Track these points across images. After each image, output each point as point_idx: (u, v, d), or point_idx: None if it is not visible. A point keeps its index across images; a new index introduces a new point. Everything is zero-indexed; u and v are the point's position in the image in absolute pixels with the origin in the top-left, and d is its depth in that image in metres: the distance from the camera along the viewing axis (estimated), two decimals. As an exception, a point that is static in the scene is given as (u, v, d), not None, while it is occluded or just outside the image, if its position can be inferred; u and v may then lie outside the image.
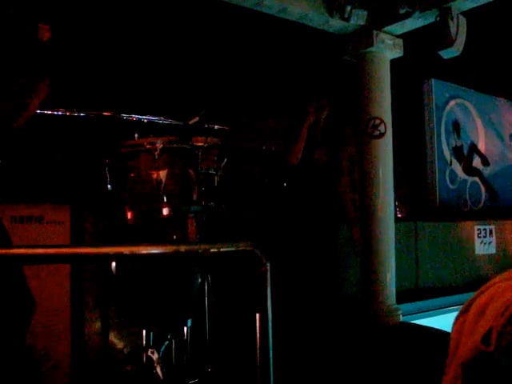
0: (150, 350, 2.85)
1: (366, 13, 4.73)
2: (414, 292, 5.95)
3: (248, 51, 5.18)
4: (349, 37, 5.00)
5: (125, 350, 3.59)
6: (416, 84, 7.20)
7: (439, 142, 7.31)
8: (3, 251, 1.67)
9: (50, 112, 3.76)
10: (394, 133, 5.00)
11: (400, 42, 5.04)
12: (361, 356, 3.90)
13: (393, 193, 5.01)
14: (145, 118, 3.13)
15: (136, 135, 2.83)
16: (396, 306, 4.94)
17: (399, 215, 6.75)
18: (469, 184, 7.73)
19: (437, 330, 4.46)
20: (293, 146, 4.17)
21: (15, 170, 2.58)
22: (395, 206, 5.61)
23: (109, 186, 2.81)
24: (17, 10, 2.73)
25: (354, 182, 5.01)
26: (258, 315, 1.72)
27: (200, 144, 2.79)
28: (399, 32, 4.98)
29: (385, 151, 4.94)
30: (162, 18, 4.65)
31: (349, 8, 4.61)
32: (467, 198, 7.67)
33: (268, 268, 1.69)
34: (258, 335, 1.73)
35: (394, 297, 4.94)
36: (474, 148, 7.92)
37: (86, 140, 3.56)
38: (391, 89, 5.01)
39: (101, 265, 3.16)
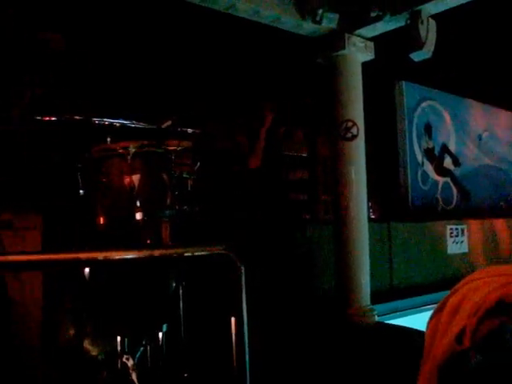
0: (125, 356, 2.82)
1: (337, 16, 4.77)
2: (388, 292, 5.99)
3: (220, 54, 5.17)
4: (321, 40, 5.02)
5: (99, 357, 3.55)
6: (388, 86, 7.27)
7: (411, 143, 7.38)
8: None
9: (21, 116, 3.71)
10: (366, 135, 5.04)
11: (371, 44, 5.09)
12: (336, 356, 3.92)
13: (366, 194, 5.04)
14: (117, 121, 3.10)
15: (108, 139, 2.80)
16: (371, 306, 4.96)
17: (373, 216, 6.80)
18: (440, 184, 7.83)
19: (411, 329, 4.50)
20: (251, 152, 4.19)
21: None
22: (368, 207, 5.65)
23: (81, 191, 2.78)
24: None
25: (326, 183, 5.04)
26: (233, 319, 1.72)
27: (173, 148, 2.77)
28: (370, 35, 5.03)
29: (357, 153, 4.97)
30: (133, 22, 4.62)
31: (320, 11, 4.63)
32: (439, 198, 7.76)
33: (243, 271, 1.69)
34: (233, 338, 1.72)
35: (369, 297, 4.97)
36: (445, 149, 8.02)
37: (58, 144, 3.52)
38: (363, 91, 5.05)
39: (74, 271, 3.12)
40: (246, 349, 1.72)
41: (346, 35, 4.87)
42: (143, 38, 4.70)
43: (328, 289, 5.16)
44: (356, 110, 4.98)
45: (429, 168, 7.67)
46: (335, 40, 4.92)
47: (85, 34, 4.34)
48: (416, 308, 5.81)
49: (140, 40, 4.69)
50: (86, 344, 3.52)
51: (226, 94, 5.23)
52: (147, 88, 4.59)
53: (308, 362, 3.78)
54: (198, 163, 2.89)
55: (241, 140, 4.27)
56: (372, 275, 5.05)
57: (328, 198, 5.48)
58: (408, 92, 7.39)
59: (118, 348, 2.89)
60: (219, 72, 5.22)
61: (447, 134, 8.11)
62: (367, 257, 4.95)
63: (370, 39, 5.07)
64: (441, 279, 6.62)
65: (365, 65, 5.13)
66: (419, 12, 4.36)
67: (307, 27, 4.82)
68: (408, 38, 4.47)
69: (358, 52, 5.00)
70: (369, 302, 4.96)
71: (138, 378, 2.76)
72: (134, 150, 2.60)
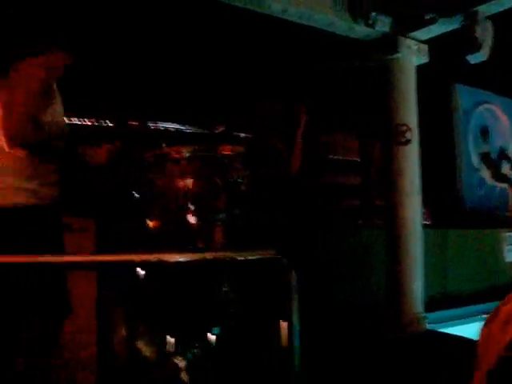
0: (176, 357, 2.86)
1: (390, 19, 4.72)
2: (441, 300, 5.87)
3: (269, 59, 5.19)
4: (373, 43, 4.98)
5: (151, 357, 3.60)
6: (443, 90, 7.14)
7: (467, 147, 7.22)
8: (40, 259, 1.70)
9: (79, 122, 3.83)
10: (420, 139, 4.96)
11: (425, 47, 5.01)
12: (386, 364, 3.86)
13: (420, 199, 4.96)
14: (171, 127, 3.16)
15: (163, 144, 2.86)
16: (423, 314, 4.88)
17: (427, 222, 6.68)
18: (497, 190, 7.62)
19: (464, 338, 4.40)
20: (291, 158, 4.14)
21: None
22: (423, 213, 5.56)
23: (136, 195, 2.84)
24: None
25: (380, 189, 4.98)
26: (283, 323, 1.72)
27: (226, 152, 2.80)
28: (424, 37, 4.95)
29: (411, 158, 4.90)
30: (186, 29, 4.69)
31: (373, 14, 4.59)
32: (496, 204, 7.56)
33: (294, 276, 1.69)
34: (284, 342, 1.73)
35: (421, 304, 4.88)
36: (502, 154, 7.80)
37: (114, 150, 3.60)
38: (417, 95, 4.98)
39: (128, 272, 3.19)
40: (296, 353, 1.72)
41: (400, 38, 4.81)
42: (195, 45, 4.76)
43: (380, 295, 5.10)
44: (410, 114, 4.91)
45: (485, 173, 7.48)
46: (388, 43, 4.87)
47: (140, 42, 4.44)
48: (469, 317, 5.68)
49: (193, 47, 4.75)
50: (139, 344, 3.59)
51: (275, 98, 5.25)
52: (201, 94, 4.65)
53: (357, 369, 3.74)
54: (250, 167, 2.90)
55: (279, 144, 4.25)
56: (426, 282, 4.96)
57: (382, 203, 5.40)
58: (463, 95, 7.23)
59: (170, 349, 2.93)
60: (270, 77, 5.24)
61: (505, 139, 7.89)
62: (421, 263, 4.87)
63: (424, 42, 4.99)
64: (496, 287, 6.44)
65: (419, 68, 5.05)
66: (475, 13, 4.27)
67: (360, 30, 4.78)
68: (463, 39, 4.38)
69: (412, 55, 4.93)
70: (421, 310, 4.88)
71: (189, 379, 2.79)
72: (187, 155, 2.65)
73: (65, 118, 2.69)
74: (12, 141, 2.36)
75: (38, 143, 2.42)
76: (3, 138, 2.37)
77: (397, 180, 4.87)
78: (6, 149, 2.37)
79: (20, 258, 1.69)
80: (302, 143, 4.15)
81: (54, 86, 2.63)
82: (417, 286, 4.83)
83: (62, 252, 2.53)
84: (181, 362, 2.86)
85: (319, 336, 3.81)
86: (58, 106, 2.63)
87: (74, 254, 1.82)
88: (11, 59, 2.59)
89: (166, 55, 4.61)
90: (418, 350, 4.40)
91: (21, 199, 2.41)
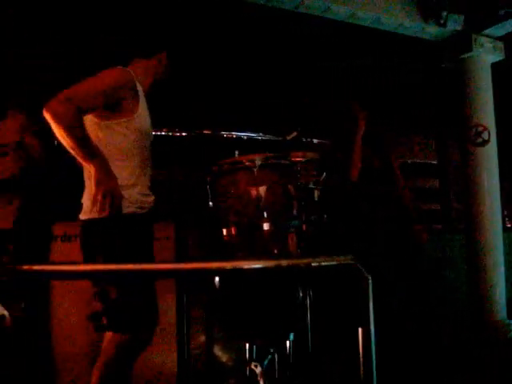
0: (253, 363, 2.88)
1: (462, 17, 4.61)
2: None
3: (339, 64, 5.17)
4: (446, 43, 4.87)
5: (229, 364, 3.65)
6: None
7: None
8: (120, 267, 1.77)
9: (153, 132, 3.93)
10: (499, 139, 4.81)
11: (501, 44, 4.85)
12: (469, 373, 3.75)
13: (499, 201, 4.80)
14: (244, 134, 3.19)
15: (236, 152, 2.90)
16: (508, 320, 4.70)
17: (508, 225, 6.44)
18: None
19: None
20: (351, 163, 4.03)
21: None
22: (503, 215, 5.36)
23: (210, 203, 2.89)
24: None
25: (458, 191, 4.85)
26: (360, 329, 1.71)
27: (298, 159, 2.80)
28: (499, 34, 4.80)
29: (489, 158, 4.76)
30: (256, 38, 4.74)
31: (445, 13, 4.50)
32: None
33: (370, 282, 1.68)
34: (360, 349, 1.71)
35: (505, 311, 4.71)
36: None
37: (188, 158, 3.68)
38: (494, 93, 4.82)
39: (205, 279, 3.24)
40: (374, 360, 1.70)
41: (473, 36, 4.69)
42: (266, 52, 4.80)
43: (462, 301, 4.95)
44: (487, 114, 4.77)
45: None
46: (461, 42, 4.76)
47: (213, 50, 4.52)
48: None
49: (264, 54, 4.80)
50: (216, 351, 3.64)
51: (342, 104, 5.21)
52: (273, 101, 4.68)
53: (440, 378, 3.65)
54: (324, 174, 2.89)
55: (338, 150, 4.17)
56: (509, 288, 4.78)
57: (460, 206, 5.26)
58: (543, 92, 6.93)
59: (247, 355, 2.96)
60: (337, 82, 5.22)
61: None
62: (502, 267, 4.70)
63: (499, 39, 4.84)
64: None
65: (494, 66, 4.89)
66: (554, 5, 4.11)
67: (431, 31, 4.70)
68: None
69: (487, 53, 4.79)
70: (505, 316, 4.70)
71: (266, 386, 2.81)
72: (260, 163, 2.67)
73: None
74: None
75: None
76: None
77: (475, 182, 4.74)
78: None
79: (109, 266, 1.76)
80: (364, 149, 4.06)
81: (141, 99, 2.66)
82: (499, 292, 4.67)
83: (153, 260, 2.58)
84: (257, 369, 2.87)
85: (396, 343, 3.74)
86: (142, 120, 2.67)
87: (154, 262, 1.87)
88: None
89: (239, 63, 4.68)
90: (502, 358, 4.24)
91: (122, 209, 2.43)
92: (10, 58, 3.82)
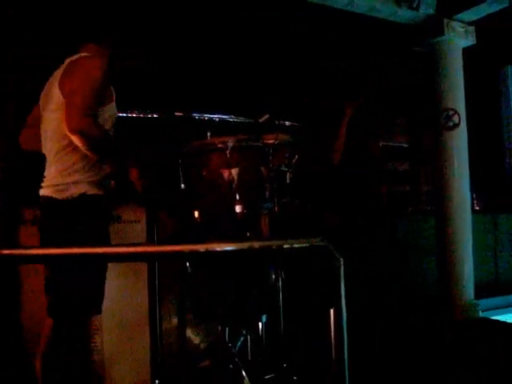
0: (226, 345, 2.89)
1: (435, 1, 4.62)
2: (493, 287, 5.76)
3: (314, 47, 5.16)
4: (418, 27, 4.89)
5: (201, 346, 3.66)
6: (491, 72, 6.95)
7: (517, 131, 7.04)
8: (88, 250, 1.74)
9: (123, 114, 3.89)
10: (469, 123, 4.86)
11: (472, 29, 4.89)
12: (437, 352, 3.82)
13: (469, 184, 4.87)
14: (216, 116, 3.17)
15: (208, 134, 2.88)
16: (474, 301, 4.80)
17: (477, 207, 6.55)
18: (549, 174, 7.39)
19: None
20: (334, 146, 4.07)
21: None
22: (472, 198, 5.45)
23: (182, 185, 2.87)
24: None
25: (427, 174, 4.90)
26: (332, 311, 1.72)
27: (271, 141, 2.80)
28: (471, 19, 4.83)
29: (459, 142, 4.82)
30: (230, 18, 4.70)
31: (417, -3, 4.51)
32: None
33: (341, 263, 1.69)
34: (332, 330, 1.73)
35: (473, 291, 4.80)
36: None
37: (159, 140, 3.65)
38: (465, 78, 4.87)
39: (176, 262, 3.24)
40: (345, 341, 1.72)
41: (445, 20, 4.72)
42: (238, 33, 4.76)
43: (430, 282, 5.04)
44: (457, 98, 4.82)
45: (536, 157, 7.27)
46: (433, 26, 4.78)
47: (185, 33, 4.47)
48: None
49: (235, 35, 4.76)
50: (189, 333, 3.64)
51: (319, 86, 5.21)
52: (245, 83, 4.66)
53: (407, 356, 3.71)
54: (296, 156, 2.89)
55: (324, 133, 4.20)
56: (476, 269, 4.88)
57: (430, 188, 5.32)
58: (513, 77, 7.04)
59: (219, 338, 2.97)
60: (316, 64, 5.20)
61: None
62: (470, 250, 4.79)
63: (471, 23, 4.87)
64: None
65: (466, 50, 4.94)
66: (525, -9, 4.14)
67: (404, 14, 4.71)
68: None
69: (458, 37, 4.82)
70: (472, 297, 4.80)
71: (238, 367, 2.82)
72: (232, 145, 2.66)
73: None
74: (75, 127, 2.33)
75: (96, 139, 2.42)
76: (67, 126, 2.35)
77: (445, 165, 4.80)
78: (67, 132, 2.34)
79: (74, 250, 1.73)
80: (347, 133, 4.10)
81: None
82: (467, 273, 4.76)
83: (109, 243, 2.59)
84: (230, 351, 2.89)
85: (368, 323, 3.79)
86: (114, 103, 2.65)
87: (126, 245, 1.86)
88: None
89: (209, 45, 4.63)
90: (470, 337, 4.34)
91: (78, 190, 2.45)
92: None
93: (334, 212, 4.11)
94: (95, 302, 2.56)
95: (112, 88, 2.61)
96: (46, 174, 2.54)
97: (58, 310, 2.47)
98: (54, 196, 2.45)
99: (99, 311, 2.60)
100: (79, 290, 2.42)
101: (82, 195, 2.45)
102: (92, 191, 2.48)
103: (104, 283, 2.60)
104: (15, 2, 3.81)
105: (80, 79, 2.42)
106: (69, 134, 2.34)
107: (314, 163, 3.94)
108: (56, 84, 2.49)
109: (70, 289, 2.41)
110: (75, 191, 2.44)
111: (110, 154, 2.52)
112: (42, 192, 2.52)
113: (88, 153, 2.40)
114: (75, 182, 2.45)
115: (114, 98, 2.62)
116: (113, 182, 2.68)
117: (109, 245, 2.53)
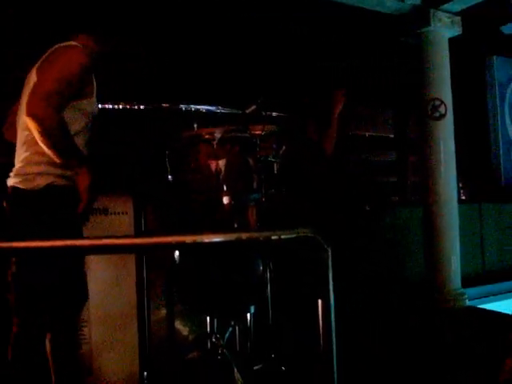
0: (214, 336, 2.90)
1: (421, -9, 4.63)
2: (479, 276, 5.81)
3: (302, 37, 5.14)
4: (405, 17, 4.89)
5: (190, 337, 3.66)
6: (477, 62, 6.98)
7: (503, 121, 7.07)
8: (73, 242, 1.73)
9: (110, 106, 3.86)
10: (455, 113, 4.88)
11: (458, 19, 4.90)
12: (425, 340, 3.85)
13: (455, 174, 4.90)
14: (203, 108, 3.16)
15: (195, 125, 2.87)
16: (461, 290, 4.84)
17: (463, 197, 6.60)
18: (535, 164, 7.45)
19: (505, 314, 4.35)
20: (326, 137, 4.08)
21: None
22: (458, 187, 5.49)
23: (169, 177, 2.86)
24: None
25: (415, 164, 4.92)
26: (320, 301, 1.73)
27: (258, 132, 2.79)
28: (457, 9, 4.84)
29: (446, 132, 4.84)
30: (213, 10, 4.67)
31: (403, -13, 4.51)
32: (533, 178, 7.40)
33: (329, 254, 1.69)
34: (320, 321, 1.73)
35: (460, 280, 4.84)
36: (540, 126, 7.62)
37: (146, 132, 3.63)
38: (451, 68, 4.89)
39: (164, 253, 3.23)
40: (333, 331, 1.72)
41: (431, 11, 4.73)
42: (225, 25, 4.74)
43: (417, 271, 5.07)
44: (443, 89, 4.83)
45: (523, 146, 7.32)
46: (419, 16, 4.78)
47: (171, 24, 4.44)
48: (509, 292, 5.62)
49: (222, 26, 4.73)
50: (177, 325, 3.64)
51: (307, 77, 5.20)
52: (232, 74, 4.64)
53: (395, 346, 3.74)
54: (284, 147, 2.89)
55: (312, 124, 4.20)
56: (463, 258, 4.91)
57: (417, 179, 5.35)
58: (499, 67, 7.06)
59: (208, 329, 2.97)
60: (303, 54, 5.19)
61: (543, 110, 7.69)
62: (457, 239, 4.82)
63: (457, 14, 4.88)
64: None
65: (452, 41, 4.95)
66: (511, -19, 4.16)
67: (390, 5, 4.71)
68: (498, 9, 4.26)
69: (445, 28, 4.83)
70: (459, 286, 4.84)
71: (226, 358, 2.83)
72: (219, 136, 2.65)
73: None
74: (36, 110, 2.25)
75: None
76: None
77: (431, 155, 4.82)
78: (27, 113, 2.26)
79: (55, 242, 1.71)
80: (339, 123, 4.09)
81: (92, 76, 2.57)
82: (454, 262, 4.79)
83: (81, 235, 2.55)
84: (219, 342, 2.89)
85: (357, 314, 3.81)
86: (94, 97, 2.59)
87: (113, 237, 1.84)
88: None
89: (197, 36, 4.60)
90: (457, 326, 4.38)
91: (45, 181, 2.40)
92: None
93: (322, 203, 4.11)
94: (75, 298, 2.53)
95: (94, 84, 2.56)
96: (15, 163, 2.50)
97: (24, 309, 2.42)
98: (20, 186, 2.40)
99: (79, 307, 2.59)
100: (54, 285, 2.37)
101: (49, 186, 2.39)
102: (60, 182, 2.42)
103: (83, 276, 2.57)
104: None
105: (55, 66, 2.37)
106: (25, 117, 2.27)
107: (306, 155, 3.95)
108: (35, 69, 2.46)
109: (42, 284, 2.36)
110: (41, 182, 2.38)
111: (66, 151, 2.36)
112: (9, 182, 2.48)
113: (39, 140, 2.29)
114: (41, 173, 2.39)
115: (95, 94, 2.56)
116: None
117: (83, 237, 2.50)
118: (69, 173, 2.44)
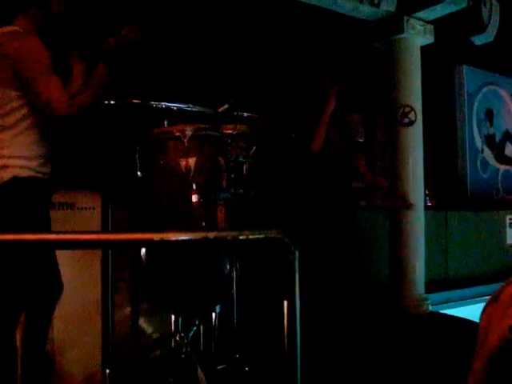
0: (178, 335, 2.88)
1: (396, -2, 4.68)
2: (443, 282, 5.90)
3: (276, 38, 5.15)
4: (379, 23, 4.94)
5: (154, 335, 3.64)
6: (447, 71, 7.09)
7: (470, 129, 7.20)
8: (38, 236, 1.70)
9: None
10: (424, 121, 4.95)
11: (431, 28, 4.97)
12: (388, 345, 3.89)
13: (423, 181, 4.96)
14: (174, 105, 3.14)
15: (165, 122, 2.85)
16: (425, 295, 4.91)
17: (429, 204, 6.69)
18: (501, 172, 7.60)
19: (466, 320, 4.42)
20: (315, 134, 4.11)
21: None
22: (425, 194, 5.56)
23: (139, 173, 2.84)
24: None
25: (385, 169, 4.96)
26: (285, 302, 1.73)
27: (229, 131, 2.79)
28: (430, 18, 4.91)
29: (415, 139, 4.90)
30: (188, 7, 4.65)
31: (379, -6, 4.56)
32: (499, 186, 7.55)
33: (296, 256, 1.70)
34: (285, 322, 1.74)
35: (423, 286, 4.91)
36: (507, 136, 7.77)
37: (116, 128, 3.59)
38: (422, 76, 4.95)
39: (131, 251, 3.20)
40: (298, 332, 1.73)
41: (405, 18, 4.79)
42: (198, 22, 4.72)
43: (382, 277, 5.12)
44: (414, 96, 4.90)
45: (489, 155, 7.46)
46: (393, 23, 4.84)
47: (146, 21, 4.40)
48: (472, 298, 5.71)
49: (196, 24, 4.71)
50: (142, 323, 3.61)
51: (284, 76, 5.21)
52: (204, 72, 4.62)
53: (358, 349, 3.76)
54: (254, 147, 2.89)
55: (302, 125, 4.22)
56: (427, 264, 4.98)
57: (385, 184, 5.40)
58: (469, 77, 7.19)
59: (172, 327, 2.95)
60: (277, 55, 5.20)
61: (510, 121, 7.85)
62: (423, 245, 4.89)
63: (430, 22, 4.96)
64: (499, 270, 6.46)
65: (424, 48, 5.02)
66: (482, -7, 4.23)
67: (365, 10, 4.75)
68: (469, 20, 4.34)
69: (417, 35, 4.90)
70: (423, 291, 4.90)
71: (190, 357, 2.82)
72: (190, 133, 2.63)
73: None
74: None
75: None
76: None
77: (400, 161, 4.87)
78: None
79: (23, 236, 1.69)
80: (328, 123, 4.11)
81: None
82: (419, 268, 4.86)
83: (49, 229, 2.52)
84: (183, 341, 2.88)
85: (323, 316, 3.83)
86: None
87: (79, 232, 1.82)
88: None
89: (169, 33, 4.58)
90: (420, 331, 4.43)
91: (8, 174, 2.37)
92: None
93: (290, 205, 4.13)
94: (48, 290, 2.50)
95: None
96: None
97: None
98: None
99: (53, 299, 2.56)
100: (25, 277, 2.36)
101: (14, 178, 2.37)
102: (24, 174, 2.39)
103: (55, 268, 2.54)
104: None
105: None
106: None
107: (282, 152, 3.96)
108: None
109: (12, 277, 2.35)
110: (5, 175, 2.36)
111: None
112: None
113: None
114: (4, 166, 2.37)
115: None
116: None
117: (52, 231, 2.47)
118: (33, 163, 2.41)
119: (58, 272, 2.57)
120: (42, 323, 2.54)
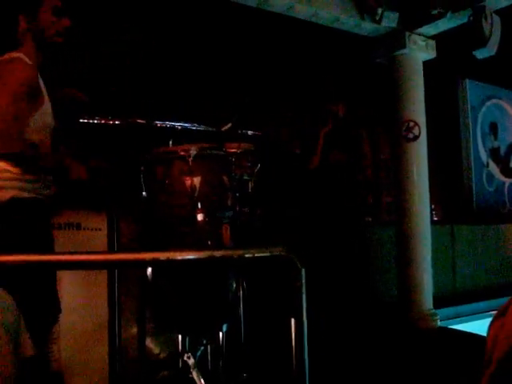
0: (185, 355, 2.86)
1: (397, 15, 4.70)
2: (451, 296, 5.86)
3: (280, 55, 5.18)
4: (381, 39, 4.97)
5: (161, 355, 3.62)
6: (450, 85, 7.10)
7: (475, 143, 7.19)
8: (46, 257, 1.71)
9: (85, 120, 3.84)
10: (428, 135, 4.95)
11: (433, 43, 4.99)
12: (397, 361, 3.85)
13: (428, 195, 4.95)
14: (178, 125, 3.16)
15: (170, 142, 2.86)
16: (433, 310, 4.87)
17: (435, 218, 6.66)
18: (507, 185, 7.58)
19: (476, 335, 4.38)
20: (311, 153, 4.18)
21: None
22: (431, 209, 5.54)
23: (144, 193, 2.84)
24: None
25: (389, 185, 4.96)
26: (293, 320, 1.72)
27: (233, 150, 2.80)
28: (432, 33, 4.93)
29: (419, 154, 4.89)
30: (192, 26, 4.69)
31: (380, 10, 4.58)
32: (506, 199, 7.52)
33: (303, 274, 1.69)
34: (293, 340, 1.72)
35: (431, 301, 4.87)
36: (511, 148, 7.76)
37: (121, 148, 3.61)
38: (425, 91, 4.96)
39: (137, 270, 3.20)
40: (306, 351, 1.72)
41: (407, 34, 4.81)
42: (202, 41, 4.75)
43: (390, 292, 5.09)
44: (417, 111, 4.90)
45: (494, 169, 7.44)
46: (395, 39, 4.86)
47: (147, 39, 4.44)
48: (480, 313, 5.66)
49: (199, 43, 4.75)
50: (149, 343, 3.60)
51: (285, 95, 5.23)
52: (208, 91, 4.64)
53: (368, 365, 3.73)
54: (259, 165, 2.90)
55: (299, 142, 4.27)
56: (435, 279, 4.95)
57: (391, 199, 5.39)
58: (472, 90, 7.20)
59: (180, 347, 2.94)
60: (280, 74, 5.23)
61: (515, 134, 7.84)
62: (429, 260, 4.86)
63: (432, 37, 4.98)
64: (507, 283, 6.41)
65: (426, 63, 5.03)
66: (483, 8, 4.24)
67: (367, 27, 4.78)
68: (471, 35, 4.34)
69: (419, 51, 4.92)
70: (431, 306, 4.87)
71: (198, 377, 2.80)
72: (194, 153, 2.64)
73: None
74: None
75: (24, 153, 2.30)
76: None
77: (405, 176, 4.87)
78: None
79: (27, 257, 1.69)
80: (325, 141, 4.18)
81: (41, 83, 2.50)
82: (426, 282, 4.83)
83: (52, 249, 2.52)
84: (190, 360, 2.86)
85: (331, 333, 3.81)
86: (46, 107, 2.52)
87: (85, 252, 1.82)
88: None
89: (172, 53, 4.61)
90: (428, 346, 4.39)
91: (6, 195, 2.36)
92: None
93: (296, 222, 4.14)
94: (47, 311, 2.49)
95: (45, 97, 2.51)
96: None
97: None
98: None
99: (52, 321, 2.55)
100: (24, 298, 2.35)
101: (12, 199, 2.36)
102: (23, 195, 2.39)
103: (55, 292, 2.53)
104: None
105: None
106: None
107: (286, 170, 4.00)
108: None
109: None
110: (2, 195, 2.35)
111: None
112: None
113: None
114: (4, 187, 2.36)
115: (46, 105, 2.51)
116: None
117: (58, 252, 2.47)
118: (34, 185, 2.41)
119: (57, 297, 2.56)
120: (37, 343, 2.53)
